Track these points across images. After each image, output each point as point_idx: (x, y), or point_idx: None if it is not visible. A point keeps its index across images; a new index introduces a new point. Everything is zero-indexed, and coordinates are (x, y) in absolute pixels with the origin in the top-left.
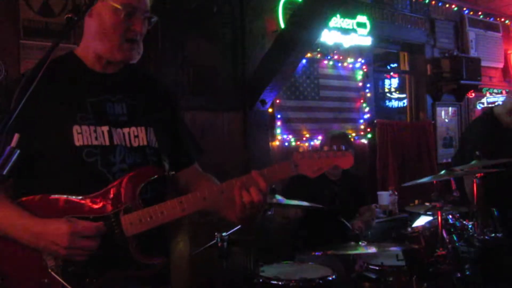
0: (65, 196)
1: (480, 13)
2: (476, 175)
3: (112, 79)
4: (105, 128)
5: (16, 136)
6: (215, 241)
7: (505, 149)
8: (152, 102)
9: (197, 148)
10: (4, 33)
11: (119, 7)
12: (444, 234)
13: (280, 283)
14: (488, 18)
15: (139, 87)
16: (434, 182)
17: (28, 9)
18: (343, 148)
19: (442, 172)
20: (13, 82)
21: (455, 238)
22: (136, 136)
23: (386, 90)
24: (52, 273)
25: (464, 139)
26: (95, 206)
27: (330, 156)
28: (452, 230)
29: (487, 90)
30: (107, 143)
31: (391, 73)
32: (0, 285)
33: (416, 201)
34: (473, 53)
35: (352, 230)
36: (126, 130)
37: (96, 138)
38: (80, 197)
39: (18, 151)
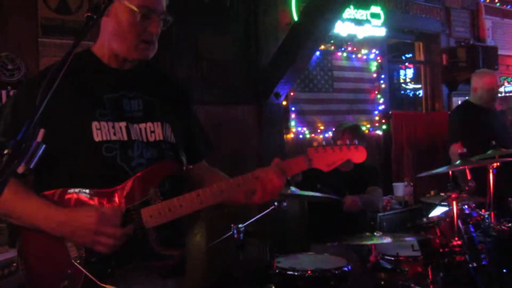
0: (85, 190)
1: (496, 0)
2: (493, 164)
3: (128, 76)
4: (122, 124)
5: (42, 131)
6: (231, 232)
7: (485, 134)
8: (168, 98)
9: (208, 144)
10: (23, 31)
11: (135, 9)
12: (460, 224)
13: (295, 273)
14: (505, 6)
15: (154, 84)
16: (450, 172)
17: (46, 7)
18: (356, 142)
19: (457, 162)
20: (36, 77)
21: (471, 228)
22: (153, 132)
23: (402, 80)
24: (75, 263)
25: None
26: (116, 200)
27: (344, 150)
28: (468, 220)
29: (504, 79)
30: (125, 138)
31: (406, 64)
32: (23, 276)
33: (432, 192)
34: (489, 41)
35: (343, 205)
36: (142, 125)
37: (114, 134)
38: (101, 191)
39: (44, 146)
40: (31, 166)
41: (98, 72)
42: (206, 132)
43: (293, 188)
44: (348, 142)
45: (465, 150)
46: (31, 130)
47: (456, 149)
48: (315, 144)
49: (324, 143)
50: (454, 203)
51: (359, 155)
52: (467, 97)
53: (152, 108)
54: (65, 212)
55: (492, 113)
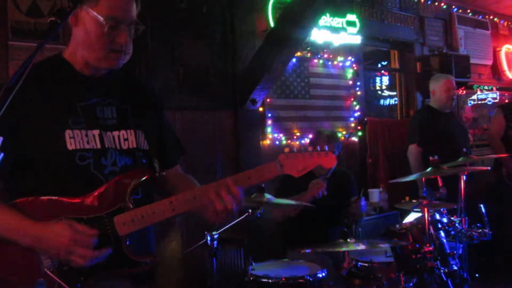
0: (58, 197)
1: (469, 10)
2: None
3: (101, 83)
4: (96, 132)
5: (0, 140)
6: (205, 240)
7: (442, 135)
8: (141, 105)
9: (181, 150)
10: None
11: (102, 20)
12: (431, 230)
13: (269, 281)
14: (477, 16)
15: (128, 91)
16: (423, 179)
17: (16, 10)
18: (326, 148)
19: (429, 169)
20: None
21: (442, 234)
22: (126, 139)
23: (378, 88)
24: (48, 272)
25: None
26: (88, 207)
27: (314, 156)
28: (439, 226)
29: (477, 87)
30: (99, 146)
31: (382, 71)
32: None
33: (407, 198)
34: (462, 50)
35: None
36: (116, 133)
37: (87, 142)
38: (74, 199)
39: (2, 154)
40: None
41: (71, 79)
42: (178, 138)
43: (267, 196)
44: (318, 148)
45: (436, 157)
46: None
47: (413, 150)
48: (286, 150)
49: (295, 149)
50: (425, 209)
51: (328, 161)
52: (428, 103)
53: (125, 115)
54: (39, 227)
55: (449, 115)
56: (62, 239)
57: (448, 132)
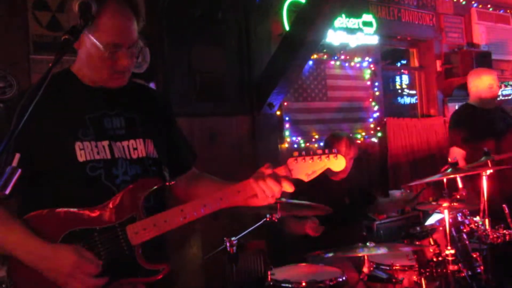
0: (71, 208)
1: (489, 5)
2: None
3: (108, 94)
4: (105, 143)
5: (17, 156)
6: (224, 246)
7: (486, 135)
8: (149, 113)
9: (194, 154)
10: (14, 48)
11: (101, 47)
12: (454, 232)
13: (290, 285)
14: (497, 11)
15: (135, 100)
16: (444, 180)
17: (37, 24)
18: (335, 151)
19: (449, 170)
20: (14, 101)
21: (464, 236)
22: (135, 149)
23: (398, 87)
24: None
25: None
26: (101, 218)
27: (323, 159)
28: (461, 228)
29: (502, 83)
30: (109, 156)
31: (402, 70)
32: None
33: (430, 198)
34: (483, 46)
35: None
36: (125, 143)
37: (98, 153)
38: (86, 209)
39: (20, 171)
40: (7, 192)
41: (79, 92)
42: (190, 143)
43: (283, 198)
44: (327, 151)
45: (456, 159)
46: (5, 155)
47: (454, 153)
48: (295, 153)
49: (303, 152)
50: (446, 211)
51: (338, 164)
52: (467, 101)
53: (133, 125)
54: (45, 248)
55: (493, 113)
56: (66, 263)
57: (490, 128)
